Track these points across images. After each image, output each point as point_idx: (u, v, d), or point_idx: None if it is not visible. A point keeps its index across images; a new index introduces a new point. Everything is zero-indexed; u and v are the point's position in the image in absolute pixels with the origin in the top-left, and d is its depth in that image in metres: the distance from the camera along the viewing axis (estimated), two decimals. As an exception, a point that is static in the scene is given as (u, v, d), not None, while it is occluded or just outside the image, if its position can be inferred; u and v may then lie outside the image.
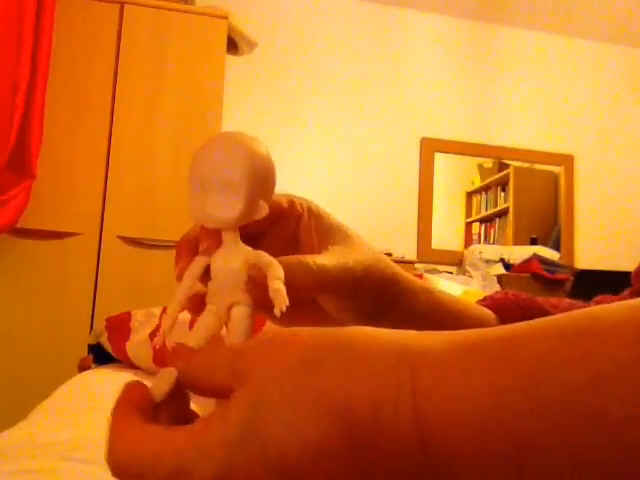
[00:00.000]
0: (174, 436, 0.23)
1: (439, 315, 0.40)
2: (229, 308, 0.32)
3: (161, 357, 1.24)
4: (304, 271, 0.32)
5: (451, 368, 0.21)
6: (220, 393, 0.24)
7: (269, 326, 0.31)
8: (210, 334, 0.31)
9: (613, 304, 0.21)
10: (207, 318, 0.32)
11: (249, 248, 0.32)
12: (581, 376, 0.19)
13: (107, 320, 1.42)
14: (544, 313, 0.43)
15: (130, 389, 0.26)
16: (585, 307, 0.46)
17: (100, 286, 2.27)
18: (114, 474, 0.24)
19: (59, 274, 2.25)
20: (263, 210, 0.32)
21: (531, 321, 0.22)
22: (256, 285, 0.30)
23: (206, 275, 0.32)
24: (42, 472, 0.57)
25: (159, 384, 0.28)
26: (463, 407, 0.21)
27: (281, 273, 0.30)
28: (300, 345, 0.24)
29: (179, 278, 0.33)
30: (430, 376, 0.21)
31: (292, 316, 0.38)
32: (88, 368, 1.42)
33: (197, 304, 0.32)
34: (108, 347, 1.38)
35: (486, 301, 0.45)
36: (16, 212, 2.14)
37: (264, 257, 0.32)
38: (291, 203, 0.35)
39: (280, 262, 0.31)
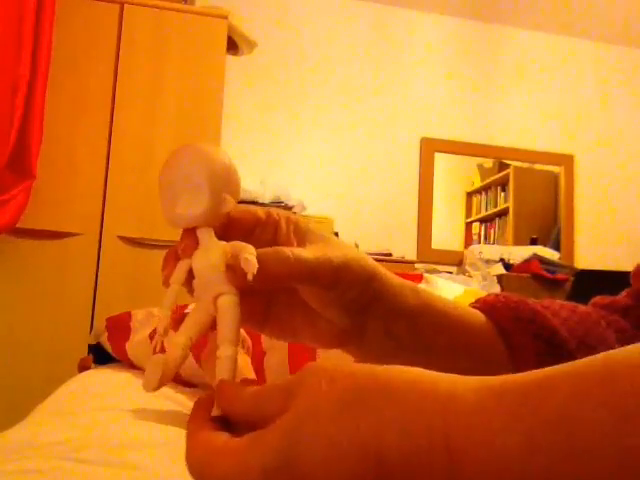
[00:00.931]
0: (222, 448, 0.26)
1: (430, 314, 0.41)
2: (215, 300, 0.33)
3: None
4: (280, 259, 0.33)
5: (483, 415, 0.22)
6: (267, 421, 0.26)
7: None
8: (200, 329, 0.33)
9: (632, 346, 0.22)
10: (196, 314, 0.34)
11: (224, 242, 0.34)
12: (609, 416, 0.20)
13: (107, 320, 1.42)
14: (535, 314, 0.43)
15: (201, 402, 0.30)
16: (577, 308, 0.46)
17: (100, 286, 2.27)
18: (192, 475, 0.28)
19: (59, 274, 2.25)
20: (228, 203, 0.34)
21: (559, 365, 0.23)
22: (235, 271, 0.32)
23: (191, 277, 0.35)
24: (42, 472, 0.57)
25: (150, 376, 0.30)
26: (496, 451, 0.21)
27: (253, 251, 0.33)
28: (341, 385, 0.25)
29: (165, 283, 0.35)
30: (462, 425, 0.22)
31: (286, 319, 0.38)
32: (88, 368, 1.42)
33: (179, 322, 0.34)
34: (108, 347, 1.38)
35: (478, 304, 0.46)
36: (16, 212, 2.14)
37: (238, 244, 0.34)
38: (268, 213, 0.37)
39: (258, 252, 0.33)
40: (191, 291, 0.35)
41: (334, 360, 0.28)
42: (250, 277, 0.32)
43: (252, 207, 0.37)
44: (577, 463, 0.20)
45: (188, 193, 0.34)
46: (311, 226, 0.38)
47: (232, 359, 0.32)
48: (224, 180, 0.34)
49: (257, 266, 0.32)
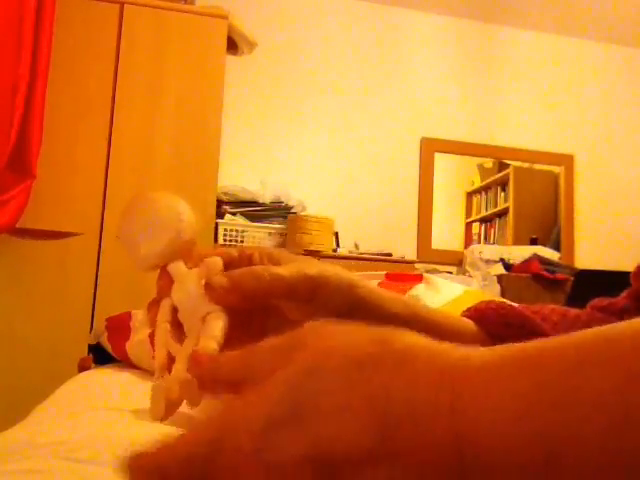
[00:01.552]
0: (208, 418, 0.26)
1: (419, 322, 0.41)
2: (202, 321, 0.34)
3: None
4: (255, 277, 0.35)
5: (486, 377, 0.23)
6: (260, 380, 0.26)
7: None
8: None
9: (634, 320, 0.22)
10: (189, 343, 0.34)
11: (195, 268, 0.36)
12: (612, 377, 0.20)
13: (107, 320, 1.42)
14: (524, 320, 0.43)
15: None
16: (567, 312, 0.47)
17: (100, 286, 2.27)
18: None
19: (59, 274, 2.25)
20: (185, 232, 0.36)
21: (563, 335, 0.23)
22: (213, 288, 0.34)
23: (176, 314, 0.36)
24: (42, 472, 0.57)
25: (155, 407, 0.31)
26: (496, 416, 0.22)
27: (220, 265, 0.36)
28: (356, 345, 0.25)
29: (152, 327, 0.36)
30: (468, 383, 0.23)
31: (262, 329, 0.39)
32: (88, 368, 1.42)
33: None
34: (108, 347, 1.38)
35: (469, 312, 0.46)
36: (16, 212, 2.14)
37: (206, 263, 0.36)
38: (240, 250, 0.39)
39: (234, 273, 0.35)
40: (176, 334, 0.36)
41: (337, 324, 0.28)
42: (215, 278, 0.34)
43: (223, 248, 0.39)
44: (578, 422, 0.20)
45: (146, 236, 0.37)
46: (283, 253, 0.39)
47: (210, 352, 0.31)
48: (173, 215, 0.36)
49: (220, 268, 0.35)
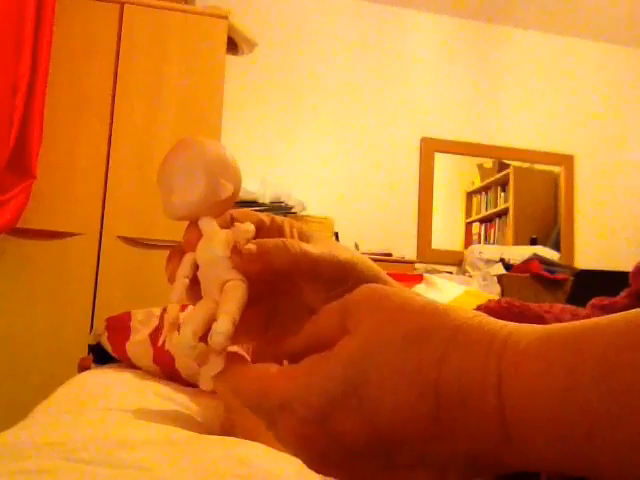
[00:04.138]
0: (279, 375, 0.28)
1: None
2: (221, 288, 0.33)
3: (161, 357, 1.24)
4: (285, 248, 0.33)
5: (533, 353, 0.24)
6: (324, 344, 0.28)
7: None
8: (206, 320, 0.32)
9: None
10: (202, 305, 0.33)
11: (227, 230, 0.34)
12: None
13: (107, 320, 1.42)
14: (538, 318, 0.43)
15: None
16: (577, 311, 0.47)
17: (100, 286, 2.27)
18: (242, 403, 0.29)
19: (59, 274, 2.25)
20: (226, 189, 0.34)
21: (603, 316, 0.24)
22: (239, 255, 0.33)
23: (196, 271, 0.34)
24: (42, 472, 0.57)
25: (182, 364, 0.30)
26: (540, 390, 0.23)
27: (253, 230, 0.34)
28: (410, 319, 0.26)
29: (171, 280, 0.34)
30: (514, 364, 0.24)
31: (288, 329, 0.38)
32: (88, 368, 1.42)
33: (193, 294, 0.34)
34: (108, 347, 1.38)
35: (480, 310, 0.45)
36: (16, 212, 2.14)
37: (238, 228, 0.34)
38: (271, 218, 0.38)
39: (263, 243, 0.33)
40: (192, 292, 0.34)
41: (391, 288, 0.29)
42: (244, 244, 0.32)
43: (256, 212, 0.37)
44: (614, 401, 0.21)
45: (184, 182, 0.33)
46: (315, 232, 0.38)
47: (226, 335, 0.30)
48: (220, 167, 0.34)
49: (253, 233, 0.33)
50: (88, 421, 0.82)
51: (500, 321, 0.26)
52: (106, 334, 1.39)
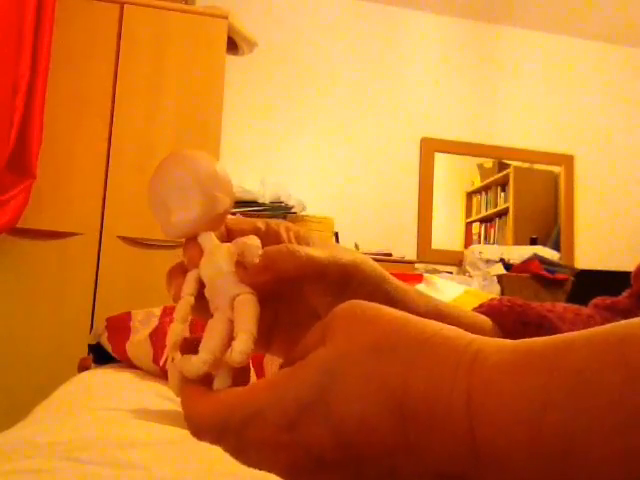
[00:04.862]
0: (252, 388, 0.28)
1: (443, 320, 0.40)
2: (232, 303, 0.32)
3: (162, 356, 1.24)
4: (292, 254, 0.33)
5: (504, 370, 0.23)
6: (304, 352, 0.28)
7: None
8: (223, 338, 0.31)
9: None
10: (216, 324, 0.32)
11: (228, 244, 0.33)
12: (620, 377, 0.21)
13: (107, 320, 1.42)
14: (540, 318, 0.43)
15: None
16: (580, 310, 0.47)
17: (100, 286, 2.27)
18: (196, 435, 0.29)
19: (59, 274, 2.25)
20: (223, 203, 0.33)
21: (576, 332, 0.24)
22: (245, 268, 0.32)
23: (202, 288, 0.33)
24: (42, 472, 0.57)
25: (172, 383, 0.31)
26: (512, 408, 0.22)
27: (258, 243, 0.33)
28: (379, 329, 0.26)
29: (176, 298, 0.33)
30: (484, 381, 0.23)
31: (292, 335, 0.38)
32: (88, 368, 1.42)
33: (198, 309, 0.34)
34: (108, 347, 1.38)
35: (482, 308, 0.45)
36: (16, 212, 2.14)
37: (241, 241, 0.33)
38: (266, 223, 0.37)
39: (270, 249, 0.33)
40: (199, 309, 0.34)
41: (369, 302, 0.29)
42: (256, 260, 0.32)
43: (250, 219, 0.37)
44: (591, 419, 0.21)
45: (179, 201, 0.33)
46: (312, 234, 0.38)
47: (248, 354, 0.30)
48: (213, 180, 0.33)
49: (260, 253, 0.32)
50: (88, 421, 0.82)
51: (470, 334, 0.26)
52: (106, 334, 1.39)
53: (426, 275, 1.34)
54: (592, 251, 3.64)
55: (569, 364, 0.22)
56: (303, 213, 2.82)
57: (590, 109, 3.80)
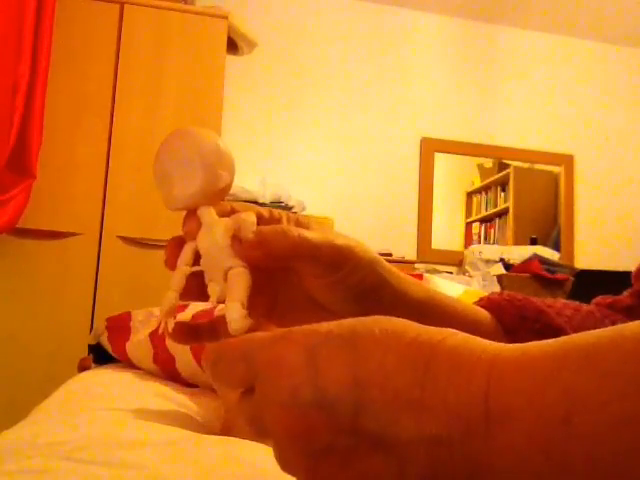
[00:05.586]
0: (267, 336, 0.28)
1: (436, 307, 0.41)
2: (225, 275, 0.33)
3: (161, 357, 1.24)
4: (285, 234, 0.34)
5: (521, 375, 0.24)
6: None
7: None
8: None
9: None
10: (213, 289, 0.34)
11: (226, 218, 0.35)
12: (613, 381, 0.21)
13: (107, 320, 1.42)
14: (540, 313, 0.43)
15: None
16: (580, 307, 0.47)
17: (100, 286, 2.27)
18: (214, 365, 0.29)
19: (59, 274, 2.25)
20: (223, 179, 0.35)
21: (584, 333, 0.24)
22: (240, 242, 0.34)
23: (198, 259, 0.35)
24: (42, 472, 0.57)
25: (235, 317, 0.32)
26: (526, 369, 0.23)
27: (254, 220, 0.34)
28: (405, 344, 0.27)
29: (169, 264, 0.36)
30: (502, 385, 0.24)
31: (289, 318, 0.38)
32: (88, 368, 1.42)
33: (192, 287, 0.36)
34: (108, 347, 1.38)
35: (482, 302, 0.45)
36: (16, 212, 2.14)
37: (238, 216, 0.35)
38: (270, 211, 0.38)
39: (264, 229, 0.34)
40: (193, 280, 0.35)
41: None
42: (250, 236, 0.33)
43: (255, 206, 0.38)
44: (600, 384, 0.21)
45: (182, 174, 0.34)
46: (312, 221, 0.39)
47: (242, 317, 0.31)
48: (215, 156, 0.34)
49: (255, 228, 0.34)
50: (88, 421, 0.82)
51: (487, 341, 0.26)
52: (106, 334, 1.39)
53: (426, 275, 1.35)
54: (592, 251, 3.65)
55: (579, 342, 0.23)
56: (303, 213, 2.82)
57: (590, 109, 3.80)
